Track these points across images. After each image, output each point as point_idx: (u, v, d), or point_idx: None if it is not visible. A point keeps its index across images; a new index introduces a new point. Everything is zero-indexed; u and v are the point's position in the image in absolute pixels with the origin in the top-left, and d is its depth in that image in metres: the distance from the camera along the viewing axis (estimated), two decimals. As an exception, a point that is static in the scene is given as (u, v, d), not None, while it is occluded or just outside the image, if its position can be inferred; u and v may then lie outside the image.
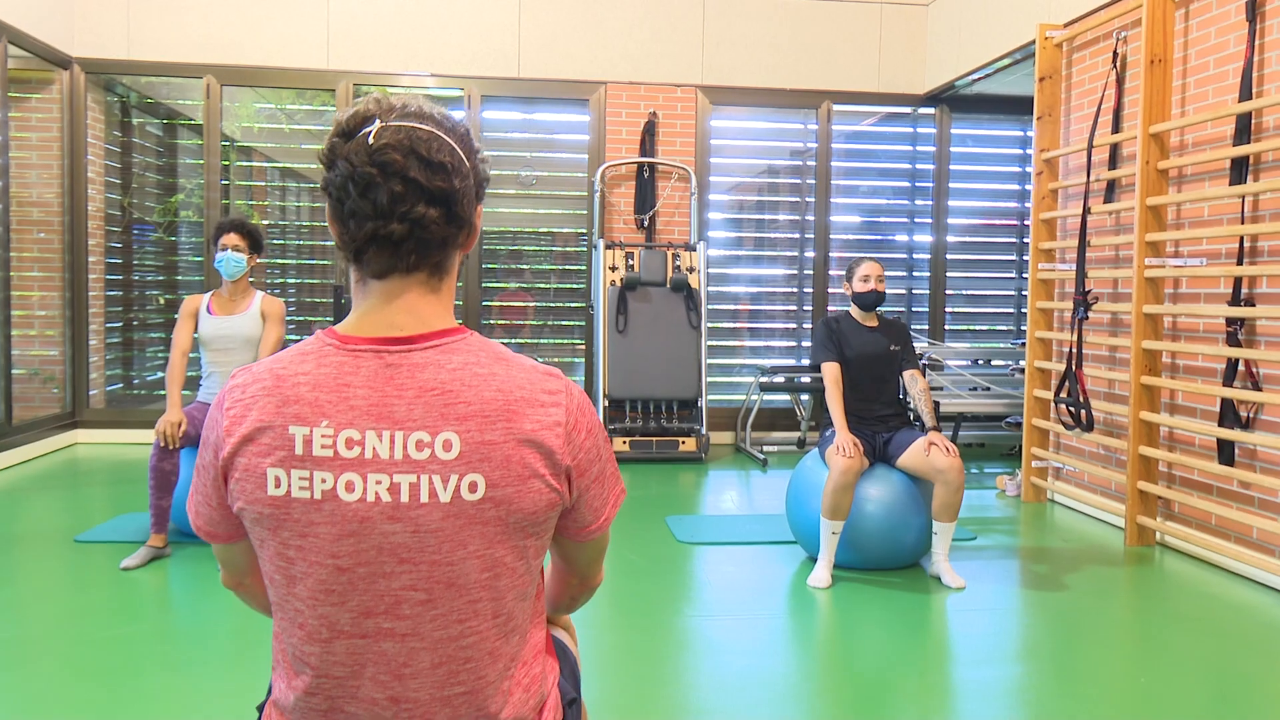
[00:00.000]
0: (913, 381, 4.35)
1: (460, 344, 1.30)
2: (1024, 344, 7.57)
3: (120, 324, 7.50)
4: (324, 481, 1.23)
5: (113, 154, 7.36)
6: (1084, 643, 3.48)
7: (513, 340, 7.54)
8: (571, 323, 7.63)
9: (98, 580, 3.96)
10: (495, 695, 1.32)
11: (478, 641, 1.29)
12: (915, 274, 7.89)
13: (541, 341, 7.59)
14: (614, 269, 7.00)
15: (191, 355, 4.50)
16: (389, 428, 1.23)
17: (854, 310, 4.39)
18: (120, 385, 7.59)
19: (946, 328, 7.86)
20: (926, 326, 7.77)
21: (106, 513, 5.06)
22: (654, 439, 6.78)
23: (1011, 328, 8.06)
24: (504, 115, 7.49)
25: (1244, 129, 4.33)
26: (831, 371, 4.26)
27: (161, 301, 7.63)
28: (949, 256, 7.85)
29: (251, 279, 4.61)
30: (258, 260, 4.57)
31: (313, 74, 7.17)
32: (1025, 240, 7.99)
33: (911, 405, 4.42)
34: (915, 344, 5.76)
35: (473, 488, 1.24)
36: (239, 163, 7.37)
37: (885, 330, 4.38)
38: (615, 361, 6.86)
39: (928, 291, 7.86)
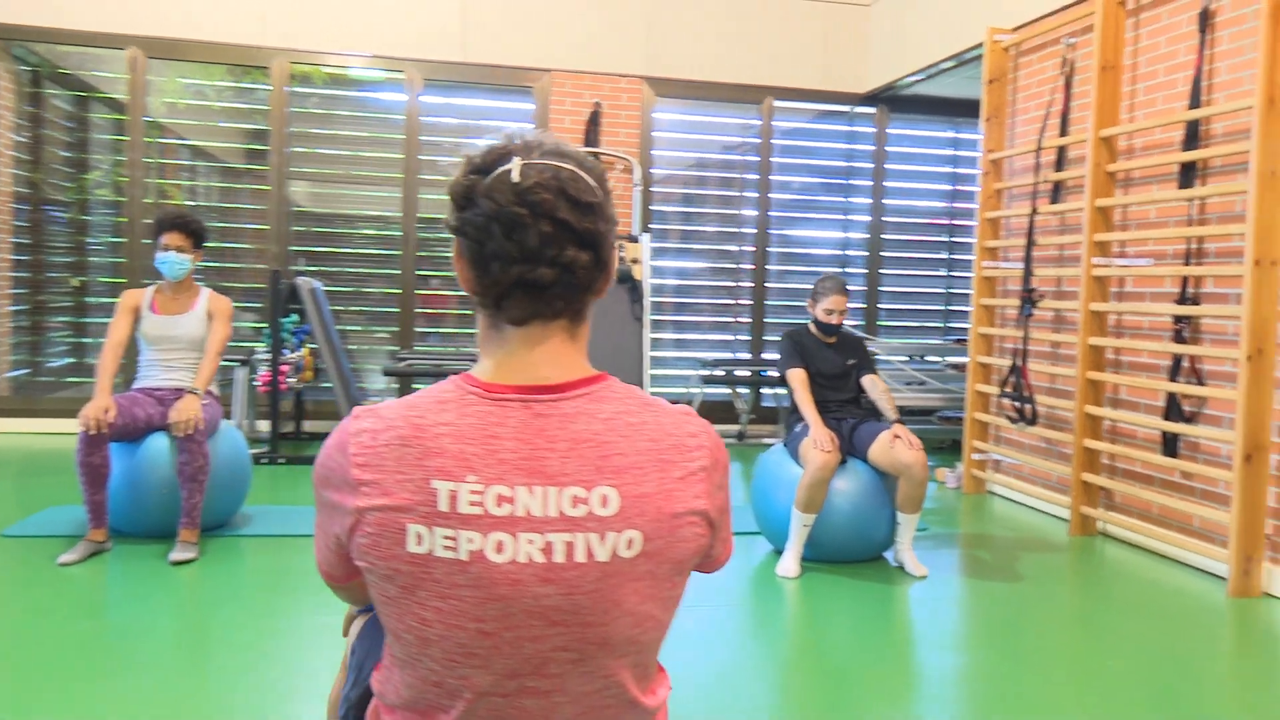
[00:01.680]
0: (872, 385, 4.46)
1: (607, 391, 1.24)
2: (955, 340, 7.75)
3: (28, 307, 7.15)
4: (471, 541, 1.14)
5: (22, 128, 7.01)
6: (1042, 627, 3.57)
7: (436, 330, 7.41)
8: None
9: (35, 578, 3.77)
10: None
11: (620, 693, 1.25)
12: (849, 270, 7.99)
13: (472, 331, 7.47)
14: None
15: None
16: (541, 483, 1.16)
17: (813, 327, 4.50)
18: (28, 371, 7.24)
19: (880, 324, 7.99)
20: (862, 322, 7.89)
21: (29, 506, 4.82)
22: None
23: (940, 324, 8.23)
24: (446, 101, 7.35)
25: (1193, 135, 4.49)
26: (798, 376, 4.37)
27: (74, 284, 7.29)
28: (883, 254, 7.98)
29: (198, 278, 4.44)
30: (202, 257, 4.40)
31: (246, 50, 6.93)
32: (955, 239, 8.16)
33: (870, 403, 4.52)
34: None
35: (630, 544, 1.18)
36: (162, 140, 7.08)
37: (842, 348, 4.53)
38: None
39: (864, 288, 7.97)
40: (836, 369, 4.46)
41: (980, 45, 6.07)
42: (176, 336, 4.32)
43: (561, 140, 1.27)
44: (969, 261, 8.14)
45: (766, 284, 7.80)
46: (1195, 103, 4.47)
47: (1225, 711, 2.91)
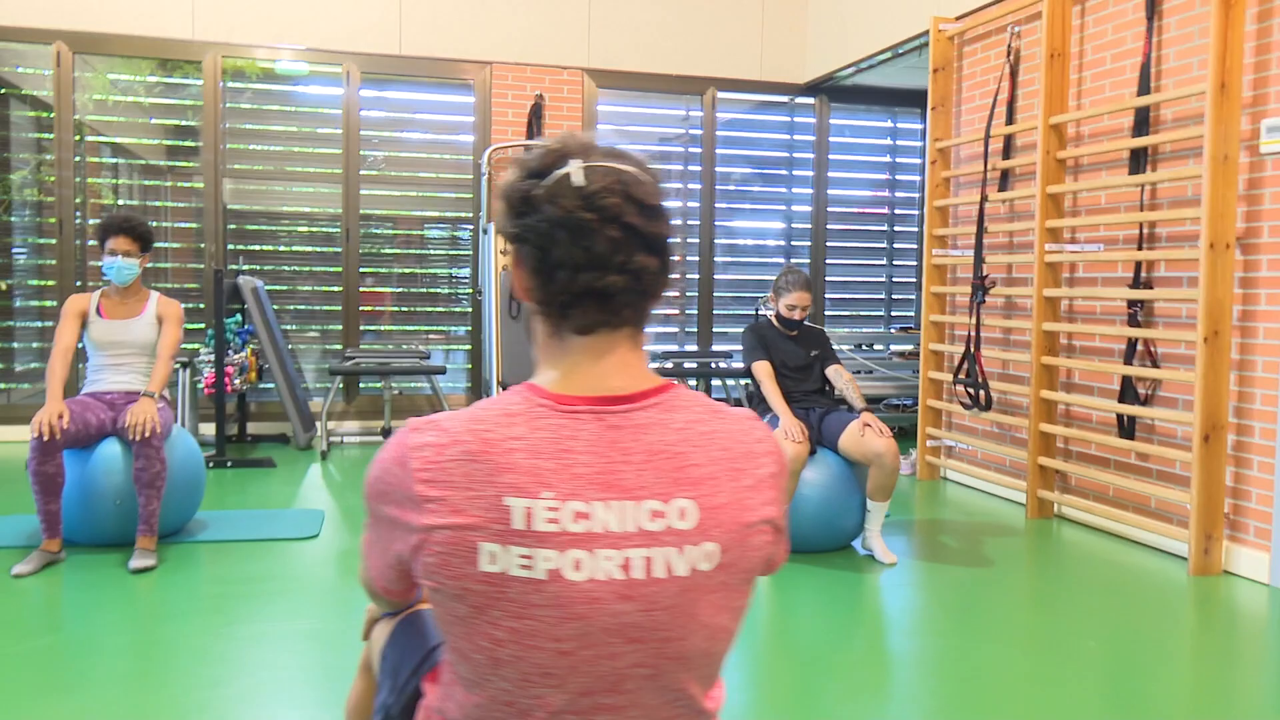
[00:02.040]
0: (837, 375, 4.49)
1: (677, 400, 1.20)
2: (899, 328, 7.83)
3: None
4: (548, 560, 1.10)
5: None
6: (1010, 609, 3.61)
7: (376, 328, 7.27)
8: (457, 310, 7.42)
9: (-6, 589, 3.61)
10: None
11: (690, 704, 1.22)
12: (793, 260, 8.02)
13: (418, 329, 7.35)
14: (505, 253, 6.83)
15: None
16: (618, 497, 1.12)
17: (775, 320, 4.51)
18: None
19: (825, 314, 8.04)
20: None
21: (-24, 516, 4.61)
22: (548, 426, 6.67)
23: (883, 313, 8.31)
24: (384, 95, 7.20)
25: (1143, 121, 4.58)
26: (764, 368, 4.39)
27: (2, 286, 7.01)
28: (827, 244, 8.03)
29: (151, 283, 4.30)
30: (149, 261, 4.27)
31: (176, 44, 6.72)
32: (896, 228, 8.25)
33: (838, 394, 4.54)
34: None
35: (708, 557, 1.15)
36: (91, 139, 6.83)
37: (804, 340, 4.55)
38: (508, 348, 6.72)
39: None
40: (800, 361, 4.48)
41: (921, 35, 6.13)
42: (126, 341, 4.19)
43: (614, 140, 1.24)
44: (910, 250, 8.24)
45: (714, 275, 7.79)
46: (1144, 89, 4.55)
47: (1193, 683, 2.96)
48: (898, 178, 8.26)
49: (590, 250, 1.14)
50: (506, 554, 1.10)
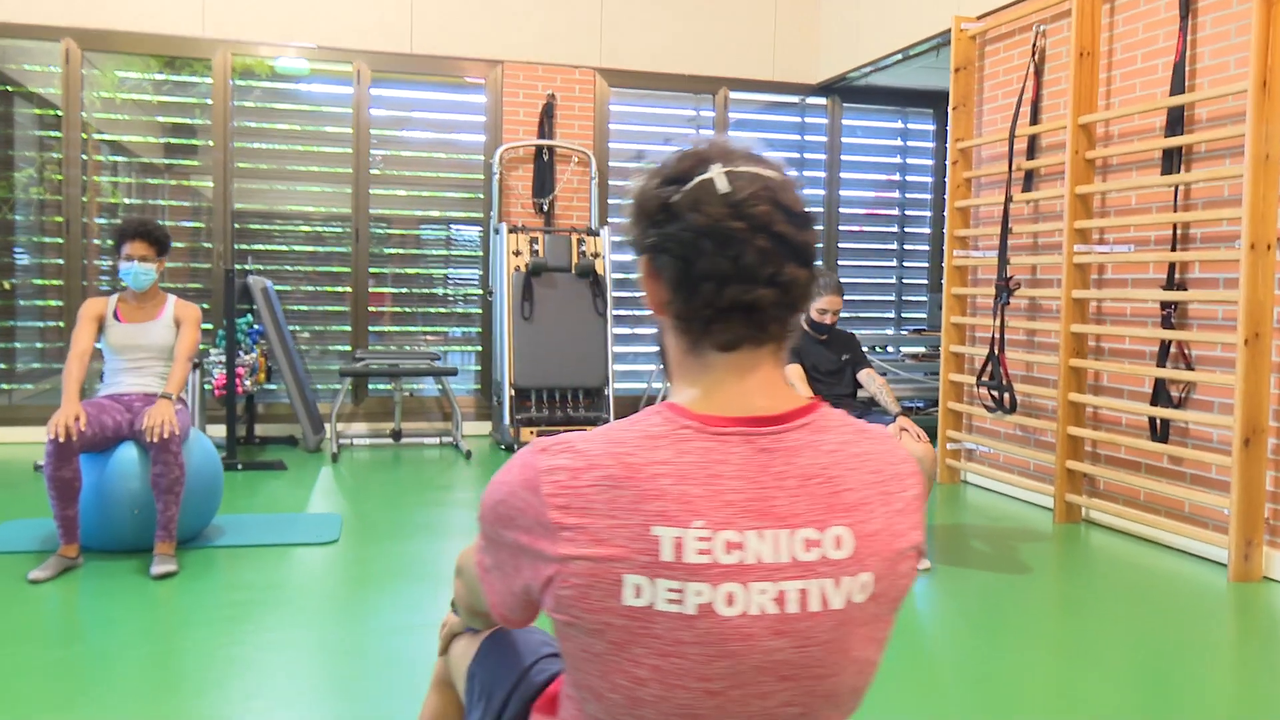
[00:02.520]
0: (870, 379, 4.43)
1: (825, 420, 1.12)
2: (912, 330, 7.77)
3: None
4: (699, 594, 1.02)
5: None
6: (1044, 615, 3.54)
7: (381, 328, 7.17)
8: (466, 310, 7.33)
9: (4, 597, 3.50)
10: None
11: None
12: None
13: (425, 330, 7.25)
14: (518, 254, 6.76)
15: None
16: (772, 525, 1.04)
17: (805, 325, 4.48)
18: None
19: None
20: (819, 314, 7.85)
21: (-13, 520, 4.51)
22: (561, 428, 6.59)
23: (894, 315, 8.25)
24: (395, 94, 7.11)
25: (1176, 121, 4.52)
26: (796, 371, 4.36)
27: (5, 286, 6.89)
28: (839, 245, 7.97)
29: (162, 284, 4.22)
30: (166, 264, 4.18)
31: (186, 42, 6.62)
32: (907, 229, 8.19)
33: (864, 396, 4.49)
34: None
35: (864, 588, 1.08)
36: (98, 137, 6.72)
37: (834, 344, 4.53)
38: (521, 350, 6.63)
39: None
40: (832, 365, 4.42)
41: (942, 34, 6.07)
42: (145, 345, 4.12)
43: (751, 142, 1.16)
44: (922, 252, 8.18)
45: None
46: (1178, 88, 4.49)
47: (1238, 690, 2.90)
48: (908, 179, 8.21)
49: (738, 261, 1.06)
50: (654, 587, 1.01)
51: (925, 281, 8.16)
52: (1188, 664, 3.13)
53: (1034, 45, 5.36)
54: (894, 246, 8.23)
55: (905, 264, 8.23)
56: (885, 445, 1.14)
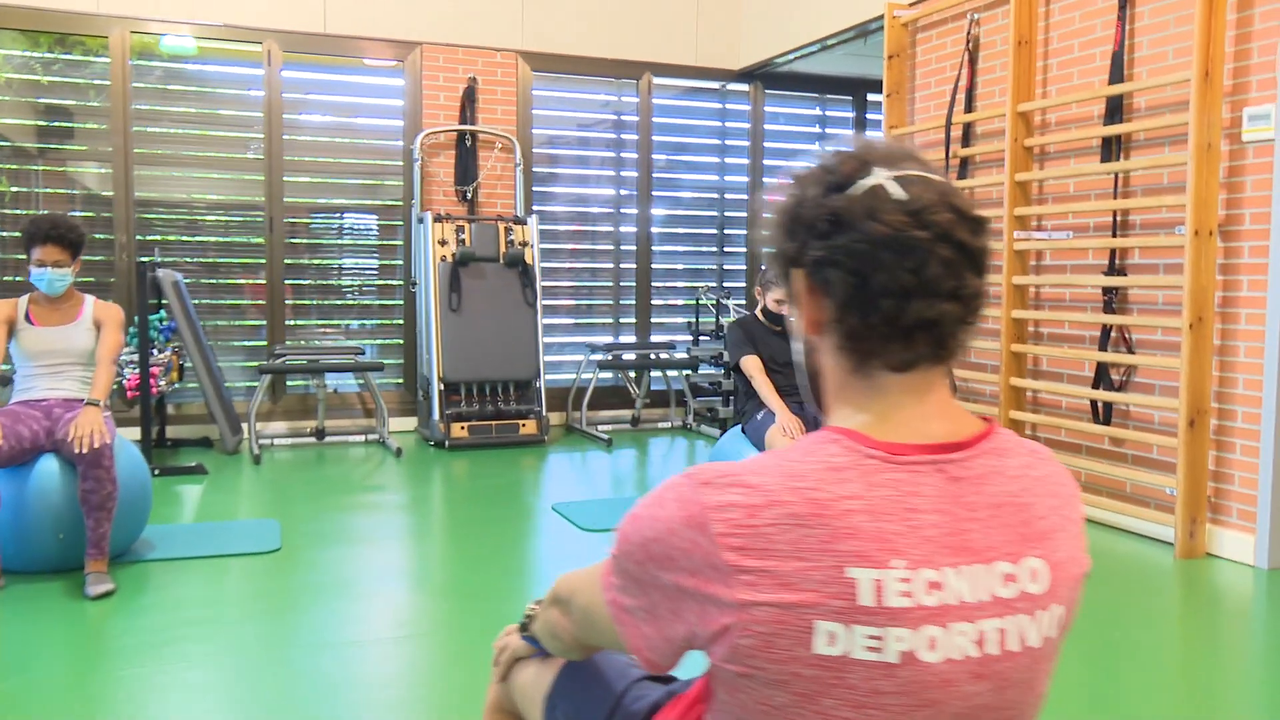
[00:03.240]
0: None
1: (1002, 441, 1.04)
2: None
3: None
4: (900, 640, 0.93)
5: None
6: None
7: (297, 322, 6.89)
8: (385, 302, 7.09)
9: (-67, 623, 3.23)
10: None
11: None
12: (727, 249, 7.93)
13: (343, 323, 6.99)
14: (443, 244, 6.56)
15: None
16: (969, 561, 0.96)
17: (760, 315, 4.46)
18: None
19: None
20: (743, 301, 7.84)
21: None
22: (493, 423, 6.43)
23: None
24: (307, 76, 6.82)
25: (1115, 109, 4.59)
26: (754, 363, 4.34)
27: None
28: (763, 232, 7.94)
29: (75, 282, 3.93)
30: (81, 265, 3.90)
31: (79, 18, 6.22)
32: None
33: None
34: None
35: (1058, 622, 1.01)
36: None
37: (789, 335, 4.48)
38: (449, 343, 6.44)
39: (744, 267, 7.93)
40: (787, 356, 4.39)
41: (870, 21, 6.07)
42: (63, 350, 3.84)
43: (903, 142, 1.06)
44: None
45: (651, 264, 7.64)
46: (1117, 77, 4.56)
47: (1186, 659, 2.95)
48: (828, 165, 8.22)
49: (920, 274, 0.98)
50: (850, 634, 0.93)
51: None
52: (1142, 635, 3.17)
53: (968, 33, 5.40)
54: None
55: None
56: (1056, 465, 1.07)
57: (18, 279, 6.16)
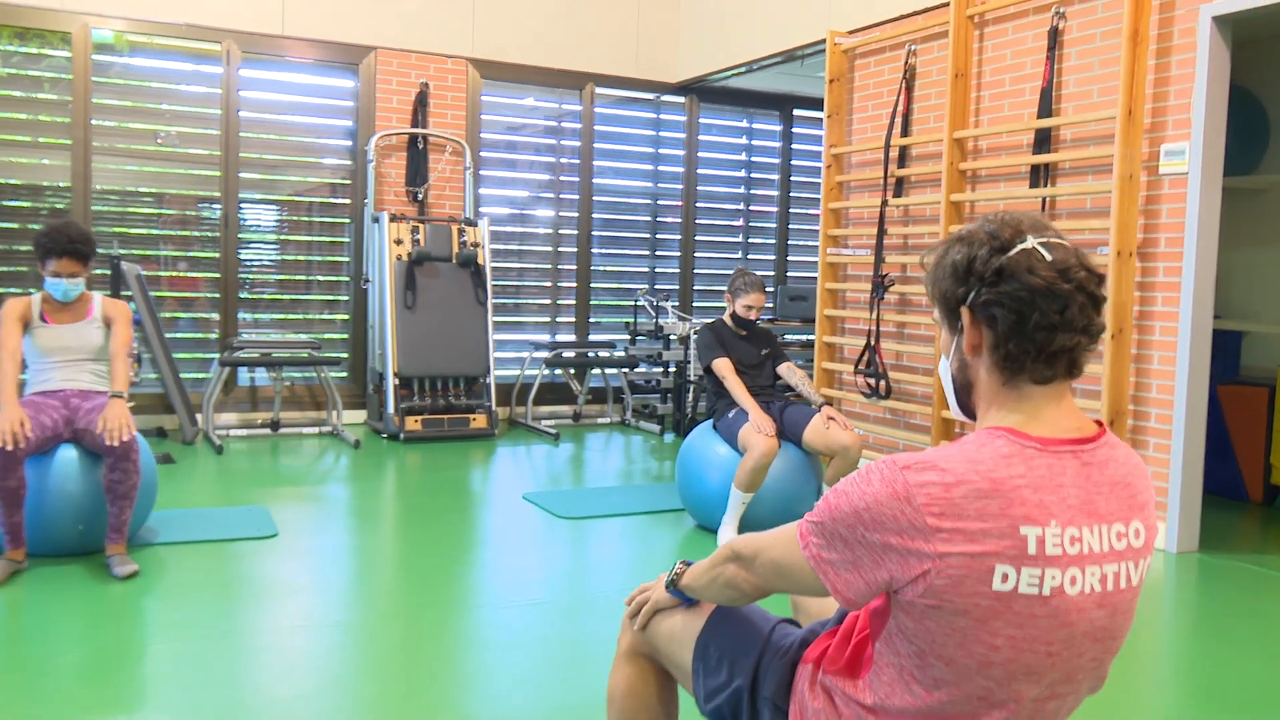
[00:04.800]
0: (790, 373, 4.78)
1: (1112, 439, 1.42)
2: (763, 321, 8.25)
3: None
4: (1053, 578, 1.31)
5: None
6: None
7: (250, 315, 6.99)
8: (334, 297, 7.25)
9: (-27, 603, 3.36)
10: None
11: (1096, 686, 1.48)
12: (659, 253, 8.29)
13: (293, 317, 7.12)
14: (399, 243, 6.76)
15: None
16: (1095, 522, 1.34)
17: (729, 320, 4.77)
18: None
19: (694, 305, 8.36)
20: (677, 303, 8.22)
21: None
22: (444, 416, 6.67)
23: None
24: (265, 75, 6.92)
25: (1043, 140, 5.11)
26: (725, 364, 4.61)
27: None
28: (696, 239, 8.35)
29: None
30: (90, 270, 4.05)
31: (41, 13, 6.23)
32: (752, 224, 8.67)
33: (781, 385, 4.85)
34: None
35: (1148, 569, 1.44)
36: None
37: (755, 339, 4.83)
38: (404, 339, 6.65)
39: (678, 270, 8.30)
40: (754, 359, 4.74)
41: (809, 45, 6.52)
42: (76, 347, 4.00)
43: (1040, 216, 1.44)
44: (768, 245, 8.68)
45: (591, 266, 7.96)
46: (1046, 111, 5.08)
47: (1138, 644, 3.45)
48: (754, 175, 8.67)
49: (1064, 315, 1.35)
50: (1018, 575, 1.30)
51: (772, 273, 8.67)
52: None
53: (905, 63, 5.88)
54: (739, 240, 8.69)
55: (750, 257, 8.70)
56: (1138, 457, 1.47)
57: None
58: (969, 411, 1.49)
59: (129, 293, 5.98)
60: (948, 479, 1.30)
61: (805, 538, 1.43)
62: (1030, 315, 1.34)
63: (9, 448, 3.55)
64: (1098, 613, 1.36)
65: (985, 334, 1.40)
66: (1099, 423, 1.43)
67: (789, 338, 7.74)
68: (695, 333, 6.67)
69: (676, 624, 1.81)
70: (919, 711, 1.40)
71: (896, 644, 1.41)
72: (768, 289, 8.56)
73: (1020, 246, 1.36)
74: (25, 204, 6.37)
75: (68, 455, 3.84)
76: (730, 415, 4.56)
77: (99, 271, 4.06)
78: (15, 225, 6.33)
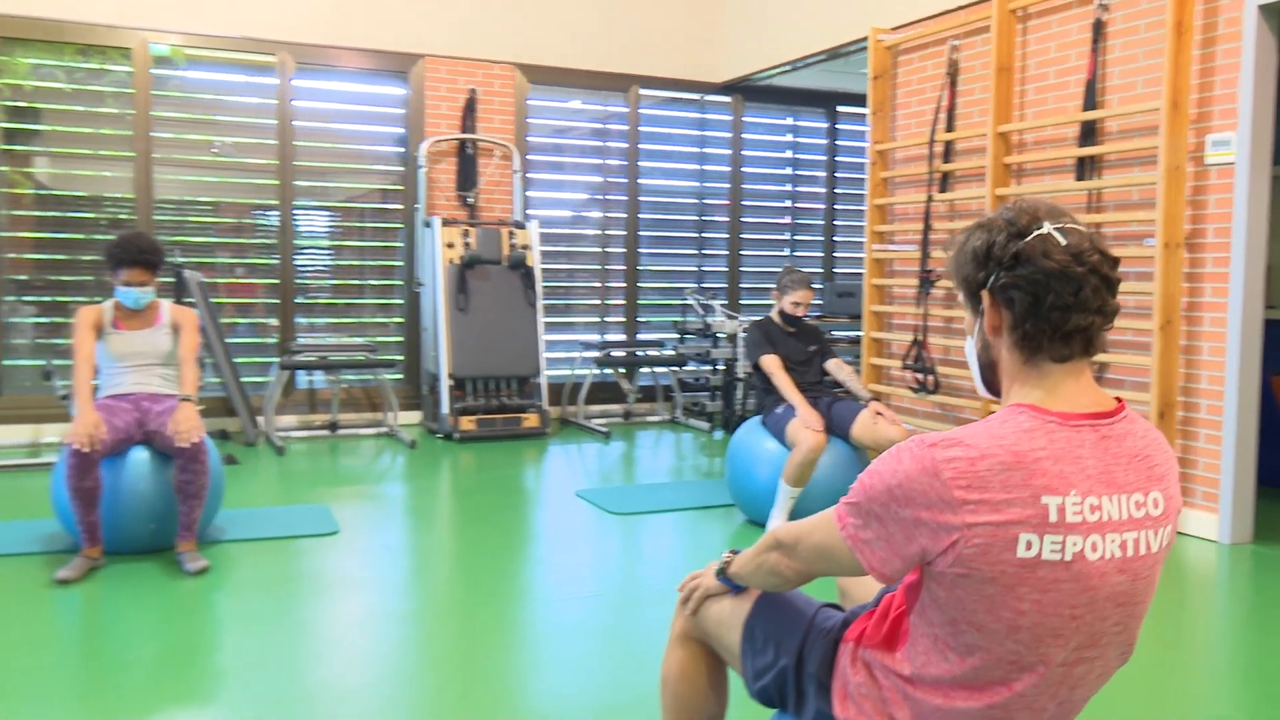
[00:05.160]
0: (838, 369, 4.83)
1: (1131, 414, 1.49)
2: (813, 317, 8.28)
3: None
4: (1074, 545, 1.37)
5: None
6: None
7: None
8: (387, 301, 7.41)
9: (33, 598, 3.52)
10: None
11: (1125, 653, 1.54)
12: (707, 252, 8.37)
13: (348, 321, 7.29)
14: (451, 246, 6.90)
15: None
16: (1114, 492, 1.41)
17: (777, 316, 4.82)
18: None
19: (741, 303, 8.42)
20: (725, 301, 8.28)
21: (-36, 525, 4.42)
22: (497, 416, 6.79)
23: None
24: (318, 85, 7.10)
25: (1088, 132, 5.11)
26: (774, 361, 4.68)
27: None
28: (742, 236, 8.41)
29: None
30: (160, 278, 4.22)
31: (104, 30, 6.44)
32: (798, 221, 8.71)
33: (839, 384, 4.90)
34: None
35: (1168, 536, 1.47)
36: (8, 125, 6.46)
37: (803, 335, 4.88)
38: (457, 340, 6.79)
39: (725, 269, 8.37)
40: (802, 355, 4.80)
41: (852, 43, 6.55)
42: (146, 353, 4.17)
43: (1056, 204, 1.51)
44: (814, 242, 8.72)
45: (639, 266, 8.05)
46: (1090, 104, 5.08)
47: (1173, 624, 3.46)
48: (799, 173, 8.72)
49: (1078, 296, 1.41)
50: (1041, 542, 1.36)
51: (819, 270, 8.71)
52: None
53: (949, 58, 5.90)
54: (786, 237, 8.73)
55: (796, 254, 8.74)
56: (1158, 433, 1.52)
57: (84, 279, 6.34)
58: (994, 389, 1.57)
59: (192, 300, 6.17)
60: (972, 454, 1.37)
61: (842, 519, 1.51)
62: (1046, 297, 1.41)
63: (85, 450, 3.71)
64: (1118, 578, 1.41)
65: (1004, 315, 1.46)
66: (1118, 399, 1.49)
67: (836, 334, 7.77)
68: (744, 331, 6.72)
69: (725, 609, 1.89)
70: (954, 680, 1.47)
71: (930, 615, 1.48)
72: (815, 286, 8.59)
73: (1036, 232, 1.43)
74: (89, 215, 6.60)
75: (140, 456, 4.00)
76: (778, 411, 4.62)
77: (164, 280, 4.18)
78: (80, 236, 6.57)
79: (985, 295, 1.48)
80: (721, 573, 1.88)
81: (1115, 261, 1.46)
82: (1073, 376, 1.46)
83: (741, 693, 2.02)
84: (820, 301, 7.72)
